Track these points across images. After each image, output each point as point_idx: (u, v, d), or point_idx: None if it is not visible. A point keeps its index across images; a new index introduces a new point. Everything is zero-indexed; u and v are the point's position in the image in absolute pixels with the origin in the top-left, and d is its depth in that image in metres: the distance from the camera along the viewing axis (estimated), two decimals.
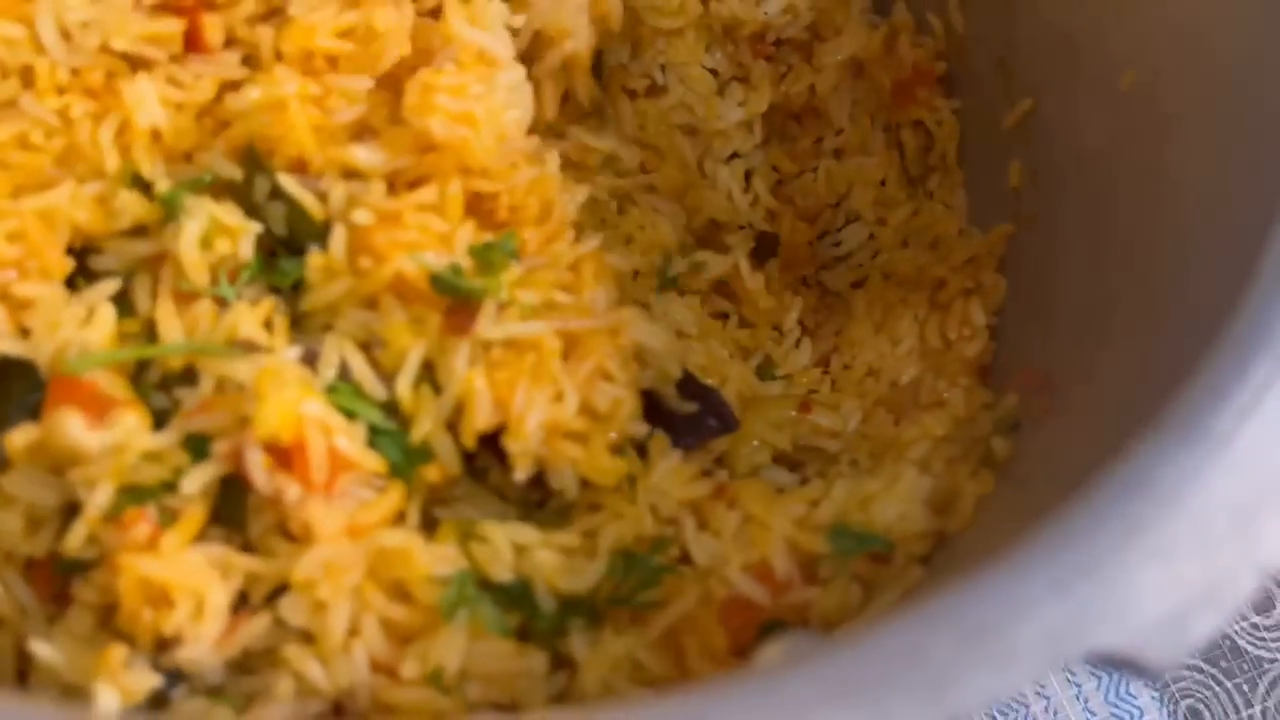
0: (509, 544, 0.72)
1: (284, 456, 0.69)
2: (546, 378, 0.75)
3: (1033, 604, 0.49)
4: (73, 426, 0.71)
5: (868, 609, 0.70)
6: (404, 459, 0.73)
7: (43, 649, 0.68)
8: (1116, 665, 0.48)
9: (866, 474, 0.80)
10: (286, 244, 0.80)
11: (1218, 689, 1.02)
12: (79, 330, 0.74)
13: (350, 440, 0.71)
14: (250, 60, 0.83)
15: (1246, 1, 0.71)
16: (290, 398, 0.70)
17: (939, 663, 0.47)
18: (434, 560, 0.70)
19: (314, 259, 0.77)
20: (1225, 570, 0.50)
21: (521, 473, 0.75)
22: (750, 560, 0.73)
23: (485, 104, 0.80)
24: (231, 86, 0.82)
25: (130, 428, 0.71)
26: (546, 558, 0.72)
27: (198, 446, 0.71)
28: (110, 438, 0.71)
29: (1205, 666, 1.02)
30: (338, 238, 0.77)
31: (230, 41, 0.83)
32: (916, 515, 0.75)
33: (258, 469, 0.69)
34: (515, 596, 0.72)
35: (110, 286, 0.77)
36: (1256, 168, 0.66)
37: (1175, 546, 0.50)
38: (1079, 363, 0.78)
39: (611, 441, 0.76)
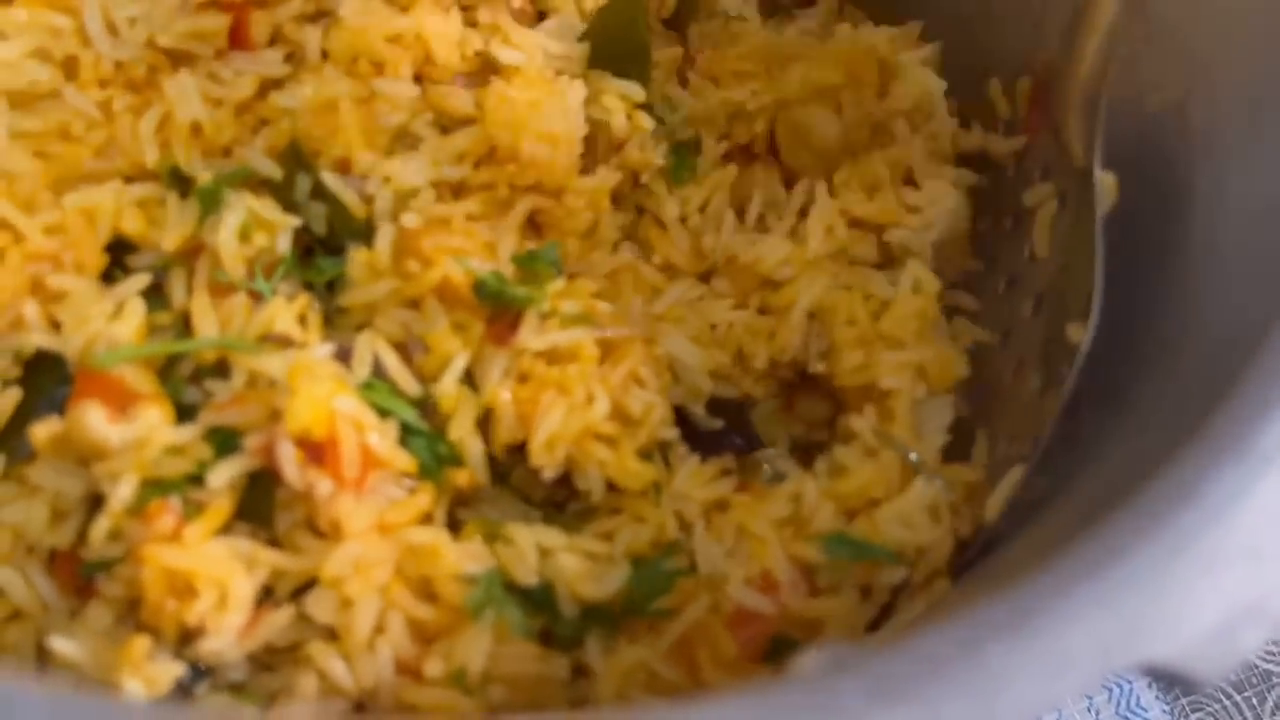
0: (534, 547, 0.72)
1: (315, 452, 0.69)
2: (576, 386, 0.75)
3: (1082, 614, 0.49)
4: (94, 420, 0.71)
5: (893, 621, 0.70)
6: (434, 461, 0.73)
7: (63, 645, 0.68)
8: (1165, 677, 0.48)
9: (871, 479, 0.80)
10: (324, 243, 0.80)
11: (1227, 703, 1.01)
12: (108, 324, 0.74)
13: (382, 438, 0.71)
14: (291, 59, 0.83)
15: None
16: (323, 393, 0.70)
17: (991, 669, 0.47)
18: (462, 558, 0.70)
19: (357, 256, 0.77)
20: (1272, 584, 0.50)
21: (549, 471, 0.75)
22: (751, 573, 0.72)
23: (565, 123, 0.80)
24: (273, 84, 0.82)
25: (152, 422, 0.71)
26: (570, 562, 0.72)
27: (222, 440, 0.71)
28: (131, 432, 0.71)
29: None
30: (384, 238, 0.78)
31: (274, 39, 0.83)
32: (924, 525, 0.74)
33: (289, 462, 0.69)
34: (538, 601, 0.71)
35: (142, 281, 0.77)
36: None
37: (1223, 560, 0.50)
38: (1101, 381, 0.78)
39: (641, 446, 0.76)
